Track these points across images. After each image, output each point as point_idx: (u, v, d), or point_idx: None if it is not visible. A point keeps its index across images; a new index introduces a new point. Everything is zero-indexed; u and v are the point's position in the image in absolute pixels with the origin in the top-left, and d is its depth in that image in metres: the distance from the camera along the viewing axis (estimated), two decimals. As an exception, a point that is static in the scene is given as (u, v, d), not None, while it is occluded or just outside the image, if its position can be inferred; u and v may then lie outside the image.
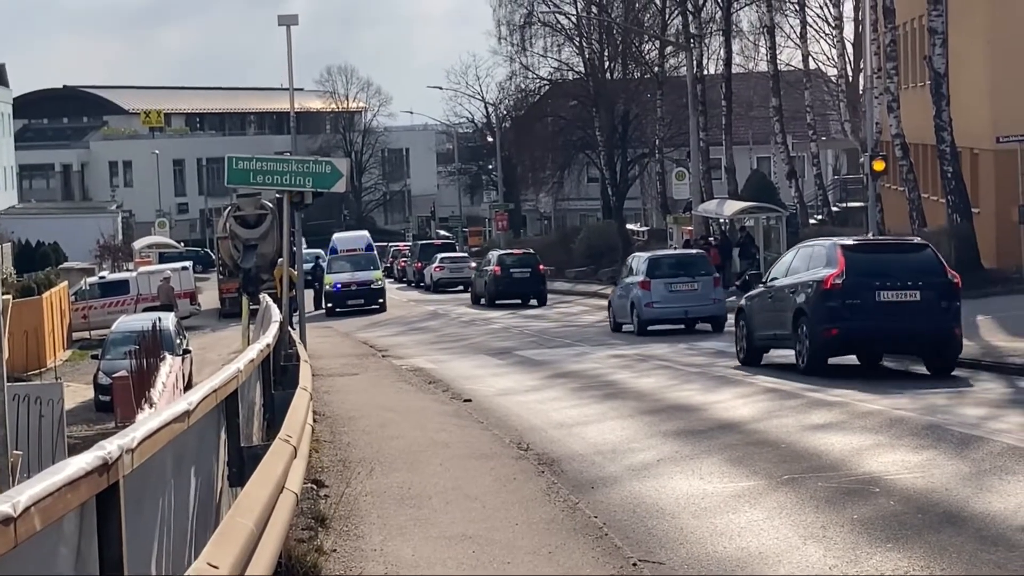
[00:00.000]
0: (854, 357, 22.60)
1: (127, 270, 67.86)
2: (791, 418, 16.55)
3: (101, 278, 54.23)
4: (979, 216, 38.43)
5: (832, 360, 21.73)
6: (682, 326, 33.75)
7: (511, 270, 51.63)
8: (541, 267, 52.45)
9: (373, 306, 52.21)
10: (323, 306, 52.96)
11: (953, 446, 13.77)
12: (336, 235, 66.49)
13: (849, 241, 22.69)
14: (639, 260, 35.30)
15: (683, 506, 11.37)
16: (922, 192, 41.35)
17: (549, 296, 52.57)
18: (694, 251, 39.88)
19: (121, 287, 52.10)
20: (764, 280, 24.75)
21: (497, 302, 51.08)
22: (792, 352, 22.13)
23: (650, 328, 33.21)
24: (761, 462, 13.30)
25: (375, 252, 59.33)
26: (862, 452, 13.67)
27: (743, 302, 24.94)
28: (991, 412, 16.56)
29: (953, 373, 20.99)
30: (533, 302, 51.13)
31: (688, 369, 24.19)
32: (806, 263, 22.46)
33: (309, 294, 47.17)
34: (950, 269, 21.75)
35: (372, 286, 52.90)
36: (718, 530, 10.39)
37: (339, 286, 52.53)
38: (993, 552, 9.38)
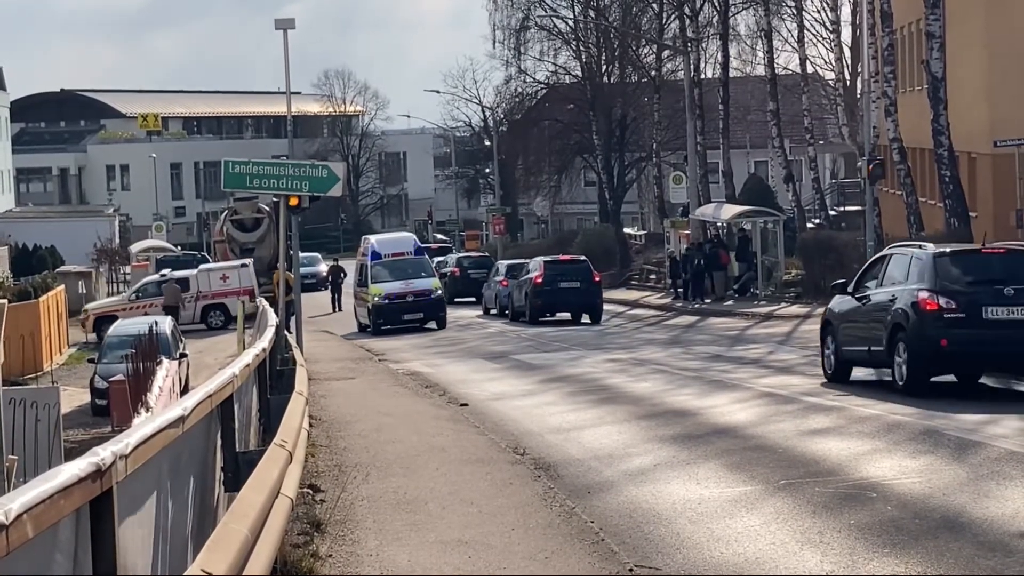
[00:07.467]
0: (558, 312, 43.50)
1: (126, 274, 67.96)
2: (788, 423, 16.53)
3: (163, 275, 53.79)
4: (977, 220, 38.41)
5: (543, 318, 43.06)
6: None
7: (469, 271, 56.56)
8: None
9: (433, 322, 43.52)
10: (368, 322, 43.94)
11: (951, 451, 13.75)
12: (376, 237, 51.26)
13: (548, 258, 45.83)
14: (502, 264, 51.32)
15: (680, 511, 11.34)
16: (920, 196, 41.34)
17: None
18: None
19: (181, 285, 51.91)
20: (517, 277, 45.98)
21: (456, 300, 53.68)
22: (527, 312, 43.65)
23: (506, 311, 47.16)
24: (758, 467, 13.27)
25: (426, 256, 48.56)
26: (860, 457, 13.65)
27: (513, 291, 46.23)
28: (989, 417, 16.53)
29: (600, 323, 42.35)
30: None
31: (684, 373, 24.19)
32: (532, 269, 44.38)
33: (308, 298, 46.57)
34: (595, 272, 44.70)
35: (432, 296, 43.68)
36: (715, 535, 10.36)
37: (391, 298, 43.08)
38: (991, 558, 9.36)
